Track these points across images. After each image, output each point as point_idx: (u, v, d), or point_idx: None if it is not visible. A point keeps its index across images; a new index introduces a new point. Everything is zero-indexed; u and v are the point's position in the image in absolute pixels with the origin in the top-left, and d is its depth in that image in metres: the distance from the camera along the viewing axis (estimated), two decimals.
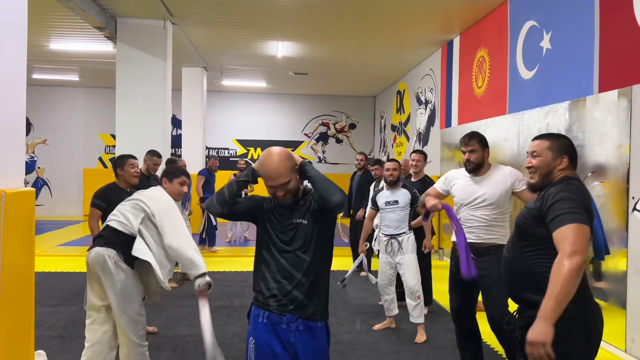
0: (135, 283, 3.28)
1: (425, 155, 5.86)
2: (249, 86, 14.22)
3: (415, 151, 5.88)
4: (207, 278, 3.13)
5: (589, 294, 2.21)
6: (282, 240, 2.38)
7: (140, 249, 3.20)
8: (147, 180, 5.49)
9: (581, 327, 2.12)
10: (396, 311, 4.95)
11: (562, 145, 2.37)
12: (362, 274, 7.38)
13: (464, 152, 3.53)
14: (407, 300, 4.72)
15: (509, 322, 2.49)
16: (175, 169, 3.73)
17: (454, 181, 3.62)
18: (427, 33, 8.61)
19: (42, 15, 7.69)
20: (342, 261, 8.15)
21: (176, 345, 4.46)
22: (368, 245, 5.29)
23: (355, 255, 7.82)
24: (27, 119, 3.47)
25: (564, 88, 5.37)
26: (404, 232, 4.78)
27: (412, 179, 5.78)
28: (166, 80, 7.93)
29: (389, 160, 5.02)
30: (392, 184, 4.84)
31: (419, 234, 5.57)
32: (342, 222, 7.77)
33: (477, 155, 3.48)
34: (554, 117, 5.41)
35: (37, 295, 3.36)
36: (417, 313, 4.66)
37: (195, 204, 8.76)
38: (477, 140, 3.50)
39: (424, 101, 10.59)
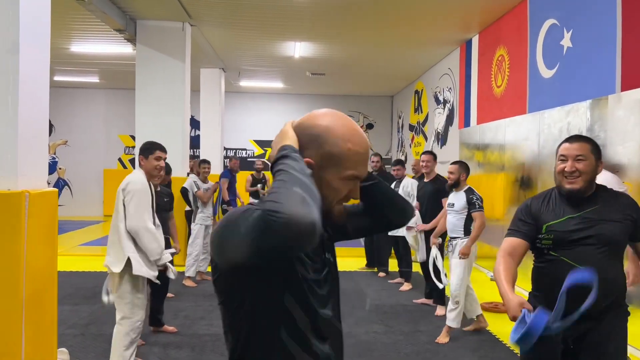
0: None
1: (434, 156, 5.88)
2: (266, 87, 14.27)
3: (424, 152, 5.90)
4: (162, 261, 3.58)
5: None
6: (320, 300, 1.24)
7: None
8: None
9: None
10: (479, 310, 4.91)
11: (599, 149, 2.28)
12: (381, 274, 7.36)
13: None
14: (448, 303, 4.72)
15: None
16: (150, 145, 3.74)
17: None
18: (446, 32, 8.55)
19: (63, 18, 7.81)
20: (357, 262, 8.14)
21: (195, 344, 4.50)
22: (440, 240, 5.25)
23: (370, 258, 7.80)
24: (49, 121, 3.55)
25: (585, 86, 5.29)
26: (458, 237, 4.75)
27: (425, 180, 5.78)
28: (185, 82, 8.00)
29: (452, 163, 4.93)
30: (451, 187, 4.83)
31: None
32: None
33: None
34: (575, 117, 5.33)
35: (59, 294, 3.41)
36: (452, 316, 4.61)
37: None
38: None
39: (442, 101, 10.52)
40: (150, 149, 3.67)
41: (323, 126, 1.19)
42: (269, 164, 1.12)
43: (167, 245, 4.62)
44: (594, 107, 5.03)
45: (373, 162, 7.73)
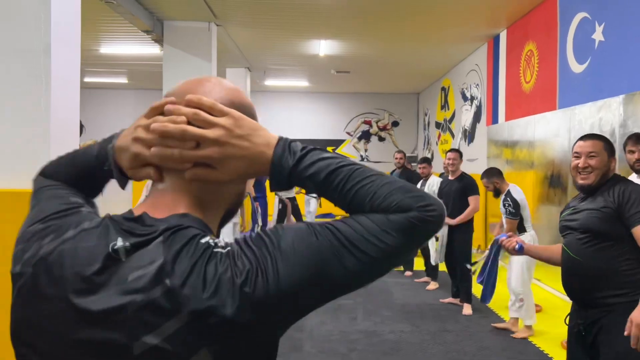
0: None
1: (460, 153, 5.83)
2: (291, 85, 14.31)
3: (450, 150, 5.84)
4: None
5: None
6: None
7: None
8: None
9: None
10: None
11: (612, 147, 2.45)
12: (407, 273, 7.31)
13: (632, 152, 3.31)
14: (510, 298, 4.76)
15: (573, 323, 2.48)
16: None
17: None
18: (473, 28, 8.43)
19: (93, 20, 7.96)
20: None
21: None
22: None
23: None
24: (80, 121, 3.62)
25: (617, 81, 5.14)
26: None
27: (450, 177, 5.72)
28: None
29: (482, 177, 5.05)
30: (496, 196, 4.95)
31: (467, 229, 5.52)
32: None
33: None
34: (607, 112, 5.19)
35: None
36: (522, 314, 4.70)
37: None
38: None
39: (469, 97, 10.38)
40: None
41: (250, 102, 0.87)
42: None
43: None
44: (627, 102, 4.89)
45: (396, 158, 7.68)
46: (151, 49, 9.50)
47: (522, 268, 4.66)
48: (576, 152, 2.42)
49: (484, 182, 4.97)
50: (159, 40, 8.13)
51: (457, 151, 5.80)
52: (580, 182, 2.39)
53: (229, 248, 0.72)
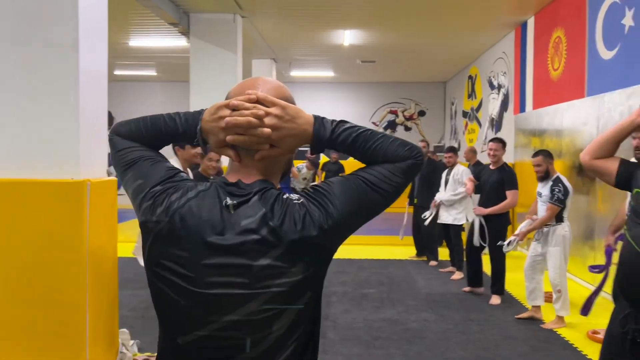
0: None
1: (503, 143, 5.62)
2: (317, 76, 14.32)
3: (492, 139, 5.69)
4: None
5: None
6: None
7: None
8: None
9: None
10: (540, 302, 4.85)
11: None
12: (432, 263, 7.30)
13: (634, 138, 2.88)
14: (553, 293, 4.71)
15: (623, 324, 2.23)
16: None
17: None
18: (500, 14, 8.29)
19: (121, 14, 8.12)
20: (407, 251, 8.10)
21: None
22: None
23: (419, 247, 7.73)
24: (110, 113, 3.71)
25: None
26: (550, 224, 4.67)
27: (491, 167, 5.60)
28: (237, 73, 8.16)
29: (534, 155, 4.83)
30: (541, 179, 4.75)
31: (500, 221, 5.44)
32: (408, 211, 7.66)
33: None
34: (637, 99, 5.06)
35: (120, 278, 3.60)
36: (558, 306, 4.63)
37: None
38: None
39: (496, 86, 10.23)
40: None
41: (290, 93, 1.26)
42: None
43: None
44: None
45: None
46: (178, 42, 9.64)
47: (561, 259, 4.60)
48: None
49: (539, 160, 4.68)
50: (185, 32, 8.24)
51: (500, 141, 5.63)
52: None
53: (302, 199, 1.10)
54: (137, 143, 1.21)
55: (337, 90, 15.45)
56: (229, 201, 1.08)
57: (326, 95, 15.41)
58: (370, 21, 8.77)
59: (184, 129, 1.18)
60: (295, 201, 1.10)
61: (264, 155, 1.12)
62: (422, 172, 7.24)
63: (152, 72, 13.80)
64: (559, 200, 4.53)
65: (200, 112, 1.17)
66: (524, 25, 8.59)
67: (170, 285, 1.09)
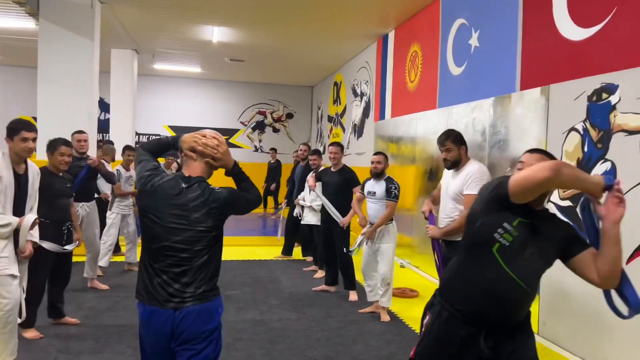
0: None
1: (342, 147, 6.09)
2: (183, 71, 13.84)
3: (332, 144, 6.03)
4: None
5: None
6: None
7: None
8: (77, 160, 5.42)
9: None
10: (378, 297, 5.06)
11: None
12: (308, 259, 7.42)
13: (441, 151, 3.91)
14: (379, 285, 4.98)
15: None
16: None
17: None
18: (364, 26, 8.71)
19: None
20: (272, 251, 8.16)
21: (100, 335, 4.32)
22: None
23: (289, 244, 7.86)
24: None
25: (490, 84, 5.60)
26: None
27: (332, 169, 5.91)
28: (93, 62, 7.57)
29: (375, 153, 5.20)
30: (376, 176, 5.04)
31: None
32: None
33: (453, 154, 3.84)
34: (480, 112, 5.64)
35: None
36: (385, 298, 4.95)
37: None
38: (451, 140, 3.83)
39: (359, 93, 10.73)
40: (16, 129, 3.41)
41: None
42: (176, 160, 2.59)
43: (70, 235, 4.39)
44: (497, 104, 5.35)
45: (301, 150, 7.77)
46: (25, 23, 8.70)
47: (392, 255, 4.99)
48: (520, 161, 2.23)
49: (382, 159, 5.07)
50: (34, 14, 7.46)
51: (339, 145, 6.02)
52: None
53: (220, 189, 2.26)
54: (149, 153, 2.42)
55: (205, 87, 15.08)
56: (183, 185, 2.25)
57: (194, 92, 14.97)
58: (240, 20, 8.69)
59: (173, 142, 2.37)
60: (215, 189, 2.27)
61: (210, 162, 2.32)
62: (303, 173, 7.38)
63: None
64: (396, 196, 4.93)
65: (179, 136, 2.35)
66: (385, 38, 9.13)
67: (150, 220, 2.24)
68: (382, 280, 4.93)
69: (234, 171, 2.36)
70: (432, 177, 6.79)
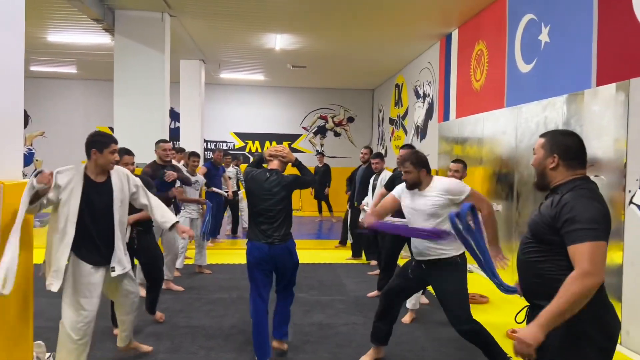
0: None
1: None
2: (247, 79, 14.19)
3: (403, 146, 5.95)
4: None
5: (607, 302, 2.13)
6: None
7: None
8: (162, 168, 5.61)
9: (596, 334, 2.07)
10: (417, 306, 5.12)
11: (554, 145, 2.36)
12: (372, 262, 7.40)
13: (402, 172, 3.85)
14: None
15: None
16: (103, 137, 3.56)
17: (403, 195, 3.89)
18: (426, 26, 8.59)
19: (39, 7, 7.65)
20: (340, 254, 8.16)
21: (174, 335, 4.49)
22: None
23: (358, 247, 7.89)
24: (25, 112, 3.48)
25: (562, 81, 5.37)
26: None
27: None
28: (164, 73, 7.91)
29: (453, 161, 5.24)
30: None
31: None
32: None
33: (412, 176, 3.70)
34: (552, 111, 5.42)
35: (36, 286, 3.37)
36: (414, 300, 5.03)
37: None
38: (410, 163, 3.70)
39: (422, 94, 10.59)
40: (106, 143, 3.46)
41: None
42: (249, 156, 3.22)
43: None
44: (570, 101, 5.11)
45: (362, 153, 7.78)
46: (102, 39, 9.22)
47: None
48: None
49: (460, 167, 5.18)
50: (109, 29, 7.89)
51: (411, 147, 5.90)
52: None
53: (288, 175, 4.04)
54: (253, 164, 4.25)
55: (268, 94, 15.38)
56: (267, 174, 3.98)
57: (257, 99, 15.30)
58: (301, 27, 8.81)
59: (261, 156, 4.23)
60: (285, 175, 3.98)
61: (281, 160, 4.07)
62: (363, 177, 7.39)
63: (72, 70, 13.08)
64: None
65: (262, 152, 4.18)
66: (448, 37, 8.96)
67: (251, 194, 4.03)
68: None
69: (296, 163, 4.07)
70: (500, 179, 6.58)
